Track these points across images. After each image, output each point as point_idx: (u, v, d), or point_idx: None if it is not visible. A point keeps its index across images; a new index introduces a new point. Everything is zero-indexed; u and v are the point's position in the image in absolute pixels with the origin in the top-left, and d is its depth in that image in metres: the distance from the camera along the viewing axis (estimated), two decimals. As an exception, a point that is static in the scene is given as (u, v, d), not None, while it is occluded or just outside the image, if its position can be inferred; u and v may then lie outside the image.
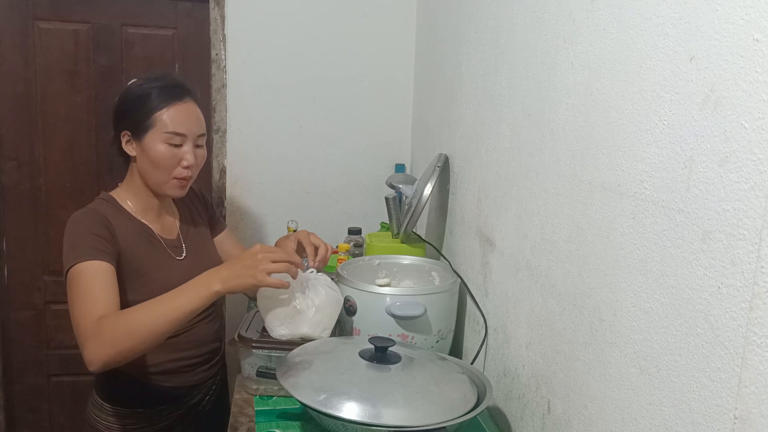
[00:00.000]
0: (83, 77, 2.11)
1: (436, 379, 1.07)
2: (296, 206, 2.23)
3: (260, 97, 2.16)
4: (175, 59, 2.17)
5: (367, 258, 1.58)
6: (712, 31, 0.65)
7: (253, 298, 1.49)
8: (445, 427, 0.95)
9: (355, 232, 1.97)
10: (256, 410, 1.22)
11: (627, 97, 0.81)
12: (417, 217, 1.61)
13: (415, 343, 1.32)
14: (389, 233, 1.84)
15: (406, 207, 1.71)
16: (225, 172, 2.18)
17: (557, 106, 1.02)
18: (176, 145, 1.31)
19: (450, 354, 1.40)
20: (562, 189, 1.00)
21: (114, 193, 1.38)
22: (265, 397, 1.27)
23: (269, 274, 1.17)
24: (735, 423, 0.61)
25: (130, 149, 1.33)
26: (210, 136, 2.06)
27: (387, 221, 1.89)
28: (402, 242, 1.74)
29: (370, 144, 2.27)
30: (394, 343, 1.11)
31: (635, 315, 0.78)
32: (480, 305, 1.40)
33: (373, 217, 2.27)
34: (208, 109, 2.09)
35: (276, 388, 1.26)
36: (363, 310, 1.33)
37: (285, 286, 1.20)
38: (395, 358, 1.09)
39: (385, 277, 1.53)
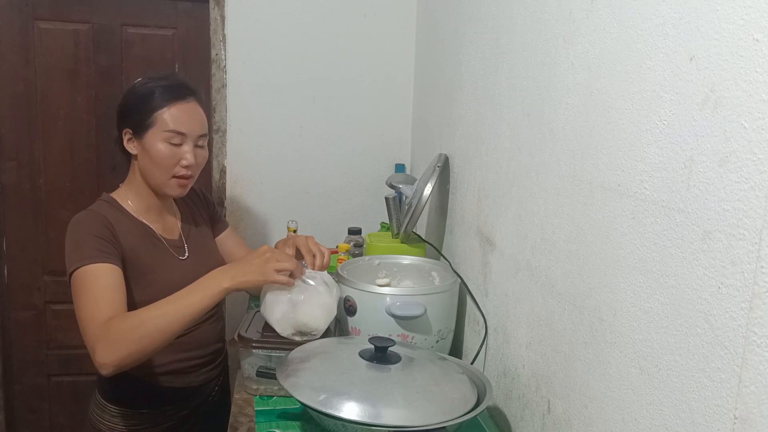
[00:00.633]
0: (83, 77, 2.11)
1: (436, 379, 1.07)
2: (296, 206, 2.23)
3: (260, 97, 2.16)
4: (175, 59, 2.17)
5: (367, 258, 1.58)
6: (712, 31, 0.65)
7: (256, 297, 1.50)
8: (445, 427, 0.95)
9: (355, 232, 1.97)
10: (256, 410, 1.22)
11: (627, 97, 0.81)
12: (417, 217, 1.61)
13: (415, 343, 1.32)
14: (389, 233, 1.84)
15: (406, 207, 1.71)
16: (225, 172, 2.18)
17: (557, 106, 1.02)
18: (176, 145, 1.31)
19: (450, 354, 1.40)
20: (562, 189, 1.00)
21: (115, 194, 1.37)
22: (265, 397, 1.27)
23: (277, 271, 1.22)
24: (735, 423, 0.61)
25: (131, 147, 1.33)
26: (210, 136, 2.06)
27: (387, 221, 1.89)
28: (402, 242, 1.74)
29: (370, 144, 2.27)
30: (394, 343, 1.11)
31: (635, 315, 0.78)
32: (480, 305, 1.40)
33: (373, 217, 2.27)
34: (208, 109, 2.08)
35: (276, 388, 1.26)
36: (363, 310, 1.33)
37: (291, 283, 1.25)
38: (395, 358, 1.09)
39: (385, 277, 1.53)
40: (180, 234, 1.44)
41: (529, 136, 1.15)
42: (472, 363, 1.35)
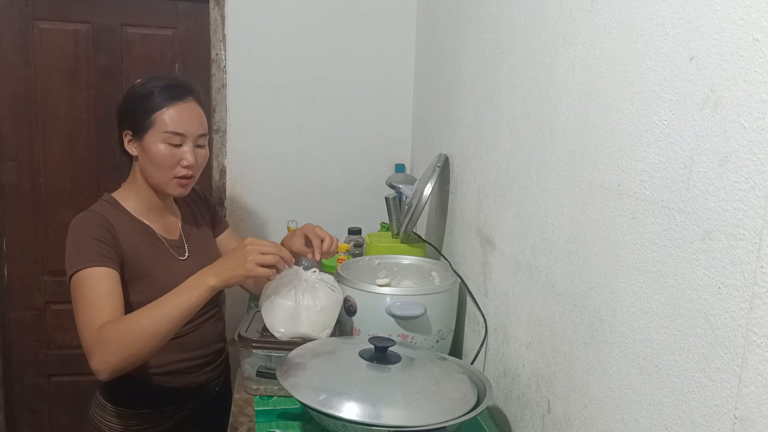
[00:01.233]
0: (83, 77, 2.11)
1: (436, 379, 1.07)
2: (296, 206, 2.23)
3: (260, 97, 2.16)
4: (175, 59, 2.17)
5: (367, 258, 1.58)
6: (712, 31, 0.65)
7: (256, 297, 1.50)
8: (445, 427, 0.95)
9: (355, 232, 1.97)
10: (256, 410, 1.22)
11: (627, 97, 0.81)
12: (417, 217, 1.61)
13: (415, 343, 1.32)
14: (389, 233, 1.84)
15: (406, 207, 1.71)
16: (225, 172, 2.18)
17: (557, 106, 1.02)
18: (176, 145, 1.31)
19: (450, 354, 1.40)
20: (562, 189, 1.00)
21: (116, 194, 1.38)
22: (265, 397, 1.27)
23: (258, 264, 1.18)
24: (735, 423, 0.61)
25: (131, 148, 1.33)
26: (210, 136, 2.06)
27: (387, 221, 1.89)
28: (402, 242, 1.74)
29: (370, 144, 2.27)
30: (394, 343, 1.11)
31: (635, 315, 0.78)
32: (480, 305, 1.40)
33: (373, 217, 2.27)
34: (208, 109, 2.08)
35: (276, 388, 1.26)
36: (363, 310, 1.33)
37: (270, 275, 1.21)
38: (395, 358, 1.09)
39: (385, 277, 1.53)
40: (180, 234, 1.44)
41: (529, 136, 1.15)
42: (472, 363, 1.35)
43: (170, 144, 1.30)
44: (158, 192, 1.37)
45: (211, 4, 2.09)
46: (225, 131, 2.16)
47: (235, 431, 1.17)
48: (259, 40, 2.13)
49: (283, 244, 1.46)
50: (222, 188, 2.18)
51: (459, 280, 1.46)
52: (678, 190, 0.70)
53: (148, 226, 1.36)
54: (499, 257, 1.29)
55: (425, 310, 1.30)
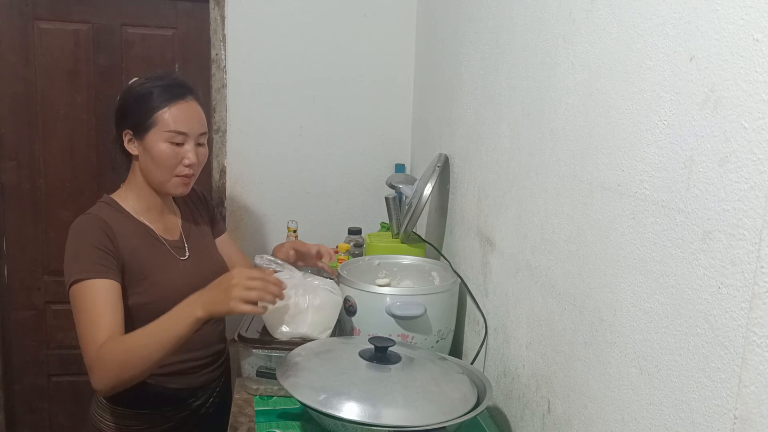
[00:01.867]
0: (83, 77, 2.11)
1: (436, 379, 1.07)
2: (296, 206, 2.23)
3: (260, 97, 2.16)
4: (175, 59, 2.17)
5: (367, 258, 1.58)
6: (712, 31, 0.65)
7: None
8: (445, 427, 0.95)
9: (355, 232, 1.97)
10: (256, 410, 1.22)
11: (627, 97, 0.81)
12: (417, 217, 1.61)
13: (415, 343, 1.32)
14: (389, 233, 1.84)
15: (406, 207, 1.71)
16: (225, 172, 2.18)
17: (557, 106, 1.02)
18: (178, 144, 1.31)
19: (450, 354, 1.40)
20: (562, 189, 1.00)
21: (116, 195, 1.37)
22: (265, 397, 1.27)
23: (243, 301, 1.13)
24: (735, 423, 0.61)
25: (132, 148, 1.33)
26: (210, 136, 2.06)
27: (387, 221, 1.89)
28: (402, 242, 1.74)
29: (370, 144, 2.27)
30: (394, 343, 1.11)
31: (635, 315, 0.78)
32: (480, 305, 1.40)
33: (373, 217, 2.27)
34: (208, 109, 2.09)
35: (276, 388, 1.26)
36: (363, 310, 1.33)
37: (258, 312, 1.17)
38: (395, 358, 1.09)
39: (385, 277, 1.53)
40: (181, 234, 1.44)
41: (529, 136, 1.15)
42: (472, 363, 1.35)
43: (172, 143, 1.30)
44: (159, 191, 1.37)
45: (211, 4, 2.09)
46: (225, 131, 2.16)
47: (235, 431, 1.17)
48: (259, 40, 2.13)
49: (275, 253, 1.48)
50: (222, 188, 2.18)
51: (459, 280, 1.46)
52: (678, 190, 0.70)
53: (148, 227, 1.36)
54: (499, 257, 1.29)
55: (425, 310, 1.30)
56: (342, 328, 1.39)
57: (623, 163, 0.82)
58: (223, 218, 2.19)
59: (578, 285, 0.94)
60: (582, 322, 0.93)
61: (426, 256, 1.67)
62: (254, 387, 1.29)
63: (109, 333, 1.18)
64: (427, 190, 1.57)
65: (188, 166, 1.33)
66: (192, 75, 2.12)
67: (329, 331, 1.29)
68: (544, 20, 1.08)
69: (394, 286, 1.45)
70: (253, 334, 1.30)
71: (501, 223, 1.29)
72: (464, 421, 0.97)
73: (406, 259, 1.58)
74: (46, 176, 2.14)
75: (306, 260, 1.57)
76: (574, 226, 0.96)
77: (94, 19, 2.09)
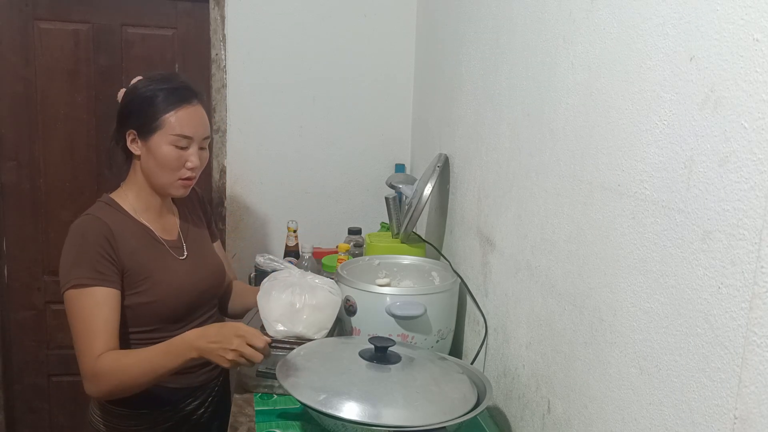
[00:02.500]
0: (83, 77, 2.11)
1: (436, 379, 1.07)
2: (296, 206, 2.23)
3: (260, 97, 2.16)
4: (175, 59, 2.17)
5: (367, 258, 1.58)
6: (712, 31, 0.65)
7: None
8: (445, 427, 0.95)
9: (355, 232, 1.97)
10: (256, 410, 1.22)
11: (627, 97, 0.81)
12: (417, 217, 1.61)
13: (415, 343, 1.32)
14: (389, 233, 1.84)
15: (406, 207, 1.71)
16: (225, 172, 2.18)
17: (557, 106, 1.02)
18: (182, 147, 1.32)
19: (450, 354, 1.40)
20: (562, 189, 1.00)
21: (115, 195, 1.38)
22: (265, 397, 1.27)
23: (236, 362, 1.15)
24: (735, 423, 0.61)
25: (135, 148, 1.34)
26: (210, 137, 2.07)
27: (387, 221, 1.89)
28: (402, 242, 1.74)
29: (370, 144, 2.27)
30: (394, 343, 1.11)
31: (635, 315, 0.78)
32: (480, 305, 1.40)
33: (373, 217, 2.27)
34: (208, 109, 2.09)
35: (270, 383, 1.26)
36: (363, 310, 1.33)
37: (243, 364, 1.17)
38: (395, 358, 1.09)
39: (385, 277, 1.53)
40: (179, 234, 1.44)
41: (529, 136, 1.15)
42: (472, 363, 1.35)
43: (177, 146, 1.31)
44: (159, 192, 1.38)
45: (211, 4, 2.09)
46: (225, 131, 2.16)
47: (235, 431, 1.17)
48: (259, 40, 2.13)
49: None
50: (222, 188, 2.18)
51: (459, 280, 1.46)
52: (678, 190, 0.70)
53: (147, 227, 1.36)
54: (499, 257, 1.29)
55: (425, 310, 1.30)
56: (342, 328, 1.39)
57: (623, 163, 0.82)
58: (223, 218, 2.19)
59: (578, 285, 0.94)
60: (582, 322, 0.93)
61: (426, 256, 1.67)
62: (252, 383, 1.29)
63: (105, 343, 1.21)
64: (427, 190, 1.57)
65: (191, 169, 1.34)
66: (192, 75, 2.12)
67: (325, 332, 1.28)
68: (544, 20, 1.08)
69: (394, 286, 1.45)
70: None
71: (501, 223, 1.29)
72: (464, 421, 0.97)
73: (406, 259, 1.58)
74: (46, 176, 2.14)
75: None
76: (574, 226, 0.96)
77: (94, 19, 2.09)
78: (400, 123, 2.27)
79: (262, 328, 1.30)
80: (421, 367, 1.11)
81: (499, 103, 1.31)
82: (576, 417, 0.94)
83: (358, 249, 1.92)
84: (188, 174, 1.34)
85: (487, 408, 1.10)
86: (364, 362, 1.08)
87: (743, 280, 0.60)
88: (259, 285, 1.38)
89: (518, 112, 1.20)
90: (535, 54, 1.12)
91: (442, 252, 1.71)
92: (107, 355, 1.20)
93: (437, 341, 1.36)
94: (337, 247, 1.78)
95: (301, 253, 1.84)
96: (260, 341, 1.15)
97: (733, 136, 0.62)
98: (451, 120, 1.70)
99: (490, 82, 1.37)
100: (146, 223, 1.37)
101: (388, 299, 1.30)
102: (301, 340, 1.24)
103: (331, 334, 1.32)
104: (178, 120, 1.31)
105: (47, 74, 2.09)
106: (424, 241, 1.79)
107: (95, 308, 1.22)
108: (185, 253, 1.41)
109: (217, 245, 1.61)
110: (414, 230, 1.76)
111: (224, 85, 2.13)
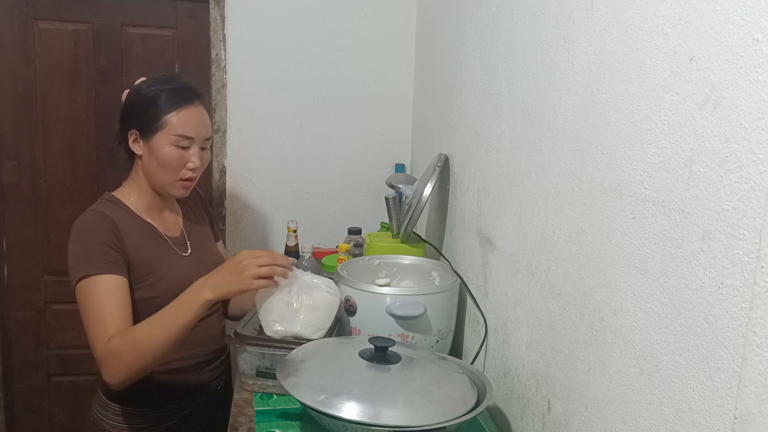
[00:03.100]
0: (83, 77, 2.11)
1: (436, 379, 1.07)
2: (296, 206, 2.23)
3: (260, 97, 2.16)
4: (175, 59, 2.17)
5: (367, 258, 1.58)
6: (712, 31, 0.65)
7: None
8: (445, 427, 0.95)
9: (355, 232, 1.97)
10: (256, 410, 1.22)
11: (627, 97, 0.81)
12: (417, 217, 1.61)
13: (415, 343, 1.32)
14: (389, 233, 1.84)
15: (406, 207, 1.71)
16: (225, 172, 2.18)
17: (557, 106, 1.02)
18: (183, 148, 1.33)
19: (450, 354, 1.40)
20: (562, 189, 1.00)
21: (117, 193, 1.39)
22: (265, 397, 1.27)
23: (256, 277, 1.19)
24: (735, 423, 0.61)
25: (136, 148, 1.35)
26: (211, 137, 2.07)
27: (387, 221, 1.89)
28: (402, 242, 1.74)
29: (370, 144, 2.27)
30: (394, 343, 1.11)
31: (635, 315, 0.78)
32: (480, 305, 1.40)
33: (373, 217, 2.27)
34: (208, 109, 2.09)
35: (271, 384, 1.26)
36: (363, 310, 1.33)
37: (273, 285, 1.23)
38: (395, 358, 1.09)
39: (385, 277, 1.53)
40: (182, 231, 1.45)
41: (529, 136, 1.15)
42: (472, 363, 1.35)
43: (178, 146, 1.32)
44: (160, 192, 1.39)
45: (211, 4, 2.09)
46: (225, 131, 2.16)
47: (235, 431, 1.17)
48: (259, 40, 2.13)
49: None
50: (222, 188, 2.18)
51: (459, 280, 1.46)
52: (678, 190, 0.70)
53: (151, 224, 1.38)
54: (499, 257, 1.29)
55: (425, 310, 1.30)
56: (342, 328, 1.39)
57: (623, 163, 0.82)
58: (223, 218, 2.19)
59: (578, 285, 0.94)
60: (582, 322, 0.93)
61: (426, 256, 1.67)
62: (250, 383, 1.29)
63: (117, 328, 1.19)
64: (427, 190, 1.57)
65: (192, 169, 1.35)
66: (192, 75, 2.12)
67: (323, 332, 1.28)
68: (544, 20, 1.08)
69: (394, 286, 1.45)
70: (249, 331, 1.30)
71: (501, 223, 1.29)
72: (464, 421, 0.97)
73: (406, 259, 1.58)
74: (46, 176, 2.14)
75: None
76: (574, 226, 0.96)
77: (94, 19, 2.09)
78: (400, 123, 2.27)
79: (261, 329, 1.30)
80: (421, 367, 1.10)
81: (499, 103, 1.31)
82: (576, 417, 0.94)
83: (358, 249, 1.92)
84: (189, 174, 1.35)
85: (487, 408, 1.10)
86: (364, 362, 1.08)
87: (743, 280, 0.60)
88: None
89: (518, 112, 1.20)
90: (535, 54, 1.12)
91: (442, 252, 1.71)
92: (117, 334, 1.19)
93: (437, 341, 1.36)
94: (337, 247, 1.78)
95: (301, 253, 1.84)
96: (266, 251, 1.22)
97: (733, 136, 0.62)
98: (451, 120, 1.70)
99: (490, 82, 1.37)
100: (149, 221, 1.38)
101: (388, 299, 1.30)
102: (299, 341, 1.24)
103: (330, 334, 1.32)
104: (179, 120, 1.32)
105: (47, 74, 2.09)
106: (424, 241, 1.79)
107: (105, 294, 1.21)
108: (189, 250, 1.43)
109: (219, 245, 1.61)
110: (414, 230, 1.76)
111: (224, 85, 2.13)
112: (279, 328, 1.26)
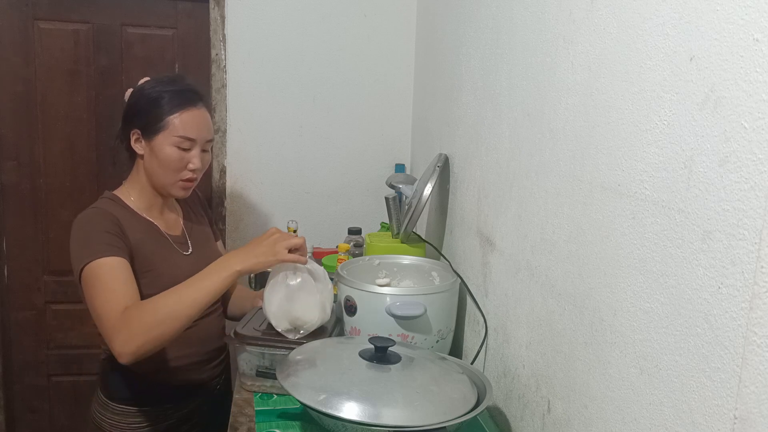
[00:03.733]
0: (83, 77, 2.11)
1: (436, 379, 1.07)
2: (296, 206, 2.23)
3: (260, 97, 2.16)
4: (175, 59, 2.17)
5: (367, 258, 1.58)
6: (712, 31, 0.65)
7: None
8: (445, 427, 0.95)
9: (355, 232, 1.97)
10: (256, 410, 1.22)
11: (627, 97, 0.81)
12: (417, 217, 1.61)
13: (415, 343, 1.32)
14: (389, 233, 1.84)
15: (406, 207, 1.71)
16: (225, 172, 2.18)
17: (557, 106, 1.02)
18: (185, 149, 1.33)
19: (450, 354, 1.40)
20: (562, 189, 1.00)
21: (118, 192, 1.39)
22: (265, 397, 1.27)
23: (288, 248, 1.24)
24: (735, 423, 0.61)
25: (138, 148, 1.35)
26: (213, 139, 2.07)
27: (387, 221, 1.89)
28: (402, 242, 1.74)
29: (370, 144, 2.27)
30: (394, 343, 1.11)
31: (635, 315, 0.78)
32: (480, 305, 1.40)
33: (373, 217, 2.27)
34: (210, 111, 2.10)
35: (269, 384, 1.27)
36: (363, 310, 1.33)
37: (303, 261, 1.27)
38: (395, 358, 1.09)
39: (385, 277, 1.53)
40: (183, 230, 1.46)
41: (529, 136, 1.15)
42: (472, 363, 1.35)
43: (180, 148, 1.33)
44: (160, 193, 1.40)
45: (211, 4, 2.09)
46: (225, 131, 2.16)
47: (235, 431, 1.17)
48: (259, 40, 2.13)
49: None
50: (222, 188, 2.18)
51: (459, 280, 1.45)
52: (678, 190, 0.70)
53: (152, 223, 1.38)
54: (499, 257, 1.29)
55: (425, 310, 1.30)
56: (342, 328, 1.39)
57: (623, 163, 0.82)
58: (223, 218, 2.19)
59: (578, 285, 0.94)
60: (582, 322, 0.93)
61: (426, 256, 1.67)
62: (249, 383, 1.29)
63: (127, 303, 1.18)
64: (427, 190, 1.57)
65: (192, 170, 1.36)
66: (192, 75, 2.12)
67: (324, 314, 1.30)
68: (544, 20, 1.08)
69: (394, 286, 1.45)
70: (249, 331, 1.30)
71: (501, 223, 1.29)
72: (464, 421, 0.97)
73: (406, 259, 1.58)
74: (46, 176, 2.14)
75: None
76: (574, 226, 0.96)
77: (94, 19, 2.09)
78: (400, 123, 2.27)
79: (261, 328, 1.30)
80: (421, 367, 1.10)
81: (499, 103, 1.31)
82: (576, 417, 0.94)
83: (358, 249, 1.92)
84: (189, 175, 1.36)
85: (487, 408, 1.10)
86: (364, 362, 1.08)
87: (743, 280, 0.60)
88: (260, 286, 1.38)
89: (518, 112, 1.20)
90: (535, 54, 1.12)
91: (442, 252, 1.71)
92: (133, 304, 1.17)
93: (437, 341, 1.36)
94: (337, 247, 1.78)
95: (301, 253, 1.84)
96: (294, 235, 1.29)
97: (733, 136, 0.62)
98: (451, 120, 1.70)
99: (490, 82, 1.37)
100: (150, 219, 1.38)
101: (388, 299, 1.30)
102: (299, 341, 1.24)
103: (331, 334, 1.32)
104: (182, 122, 1.32)
105: (47, 74, 2.09)
106: (424, 241, 1.79)
107: (112, 271, 1.20)
108: (190, 249, 1.43)
109: (219, 245, 1.62)
110: (414, 230, 1.76)
111: (224, 85, 2.13)
112: (281, 320, 1.27)
